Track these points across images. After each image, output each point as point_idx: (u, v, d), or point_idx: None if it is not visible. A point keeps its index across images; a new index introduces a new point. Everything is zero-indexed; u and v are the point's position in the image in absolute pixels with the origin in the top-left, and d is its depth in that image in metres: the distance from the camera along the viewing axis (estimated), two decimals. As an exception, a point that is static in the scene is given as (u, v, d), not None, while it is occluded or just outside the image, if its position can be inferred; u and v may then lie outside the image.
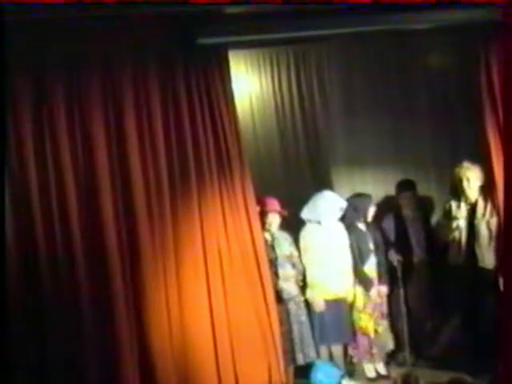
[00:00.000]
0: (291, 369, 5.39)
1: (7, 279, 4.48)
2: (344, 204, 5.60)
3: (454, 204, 5.52)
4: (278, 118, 6.43)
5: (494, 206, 5.25)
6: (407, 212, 5.94)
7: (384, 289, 5.64)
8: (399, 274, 5.53)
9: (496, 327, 5.10)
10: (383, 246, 5.75)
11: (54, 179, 4.82)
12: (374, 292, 5.59)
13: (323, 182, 6.17)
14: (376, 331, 5.59)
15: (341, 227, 5.62)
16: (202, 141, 5.06)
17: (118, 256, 4.86)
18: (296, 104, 6.43)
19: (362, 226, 5.71)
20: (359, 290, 5.59)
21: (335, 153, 6.43)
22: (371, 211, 5.73)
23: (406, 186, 5.92)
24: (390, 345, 5.72)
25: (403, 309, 5.53)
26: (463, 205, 5.46)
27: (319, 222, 5.53)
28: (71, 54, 4.86)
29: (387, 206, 6.18)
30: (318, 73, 6.41)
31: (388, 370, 5.71)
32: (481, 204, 5.37)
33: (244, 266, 5.10)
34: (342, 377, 5.51)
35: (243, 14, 4.95)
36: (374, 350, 5.61)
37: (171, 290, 4.97)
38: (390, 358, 5.81)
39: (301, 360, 5.39)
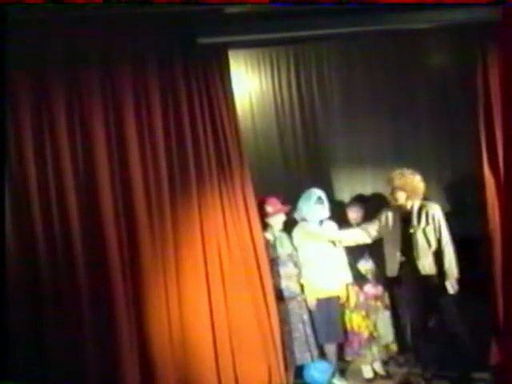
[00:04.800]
0: (292, 369, 5.38)
1: (7, 279, 4.49)
2: (320, 193, 5.49)
3: (388, 213, 5.44)
4: (278, 118, 6.43)
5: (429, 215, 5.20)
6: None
7: (379, 288, 5.60)
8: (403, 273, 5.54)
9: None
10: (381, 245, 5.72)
11: (54, 179, 4.83)
12: (367, 289, 5.56)
13: (323, 182, 6.17)
14: (371, 332, 5.56)
15: (332, 225, 5.60)
16: (201, 141, 5.07)
17: (118, 256, 4.87)
18: (296, 104, 6.43)
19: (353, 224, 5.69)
20: (353, 288, 5.57)
21: (335, 153, 6.42)
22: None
23: None
24: (389, 338, 5.66)
25: (406, 309, 5.53)
26: (397, 214, 5.37)
27: (307, 220, 5.52)
28: (71, 54, 4.86)
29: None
30: (318, 73, 6.41)
31: (387, 370, 5.70)
32: (415, 213, 5.29)
33: (244, 266, 5.10)
34: (334, 374, 5.51)
35: (243, 14, 4.95)
36: (366, 352, 5.57)
37: (171, 290, 4.98)
38: (390, 359, 5.80)
39: (308, 359, 5.35)
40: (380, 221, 5.46)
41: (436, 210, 5.28)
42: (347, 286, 5.55)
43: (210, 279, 5.03)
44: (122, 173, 4.94)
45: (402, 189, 5.27)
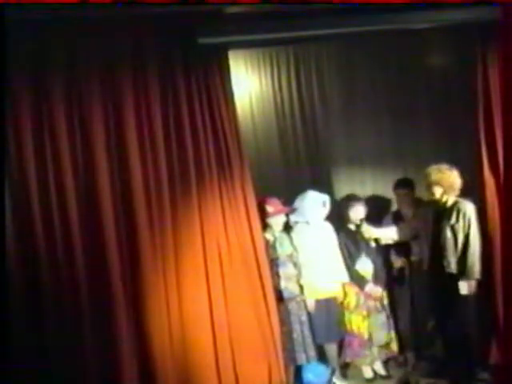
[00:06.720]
0: (291, 369, 5.38)
1: (7, 280, 4.49)
2: (326, 197, 5.54)
3: (425, 209, 5.48)
4: (278, 118, 6.44)
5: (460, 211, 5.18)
6: (406, 211, 5.92)
7: (378, 289, 5.60)
8: (404, 274, 5.54)
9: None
10: (381, 246, 5.73)
11: (54, 180, 4.83)
12: (367, 290, 5.55)
13: (323, 182, 6.17)
14: (371, 332, 5.55)
15: (329, 226, 5.61)
16: (201, 141, 5.06)
17: (118, 257, 4.87)
18: (296, 104, 6.43)
19: (351, 225, 5.68)
20: (352, 289, 5.57)
21: (335, 153, 6.43)
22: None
23: (401, 183, 5.90)
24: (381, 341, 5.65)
25: (407, 310, 5.52)
26: (432, 209, 5.39)
27: (307, 222, 5.52)
28: (71, 54, 4.86)
29: (386, 206, 6.18)
30: (318, 73, 6.42)
31: (387, 370, 5.70)
32: (448, 208, 5.27)
33: (244, 266, 5.09)
34: (333, 374, 5.50)
35: (243, 14, 4.95)
36: (366, 352, 5.57)
37: (171, 290, 4.98)
38: (390, 359, 5.79)
39: (303, 360, 5.36)
40: (417, 217, 5.50)
41: (468, 209, 5.20)
42: (344, 285, 5.55)
43: (210, 279, 5.03)
44: (122, 173, 4.94)
45: (439, 184, 5.24)
